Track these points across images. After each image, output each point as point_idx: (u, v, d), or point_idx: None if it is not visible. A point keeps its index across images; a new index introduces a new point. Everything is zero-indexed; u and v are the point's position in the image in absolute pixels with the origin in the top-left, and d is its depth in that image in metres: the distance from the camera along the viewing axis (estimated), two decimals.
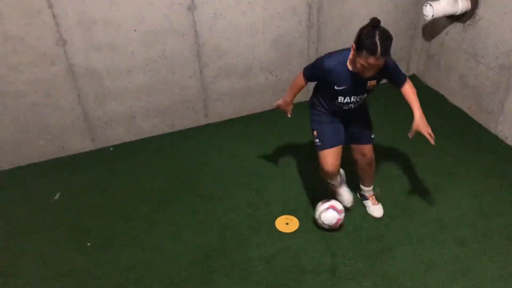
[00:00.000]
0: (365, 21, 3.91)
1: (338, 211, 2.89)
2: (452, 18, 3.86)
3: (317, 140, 2.82)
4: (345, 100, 2.64)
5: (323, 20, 3.86)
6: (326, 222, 2.89)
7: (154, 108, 3.76)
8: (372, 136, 2.89)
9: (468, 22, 3.74)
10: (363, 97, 2.68)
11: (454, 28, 3.90)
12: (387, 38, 2.32)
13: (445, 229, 2.97)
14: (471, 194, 3.21)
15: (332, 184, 3.01)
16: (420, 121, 2.55)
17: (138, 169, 3.57)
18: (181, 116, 3.90)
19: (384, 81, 2.65)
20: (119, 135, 3.78)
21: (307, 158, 3.58)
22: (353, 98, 2.64)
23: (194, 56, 3.64)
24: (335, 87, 2.58)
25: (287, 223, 3.05)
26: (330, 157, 2.78)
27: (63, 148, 3.66)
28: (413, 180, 3.35)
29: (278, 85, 4.03)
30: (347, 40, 4.01)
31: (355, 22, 3.97)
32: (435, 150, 3.60)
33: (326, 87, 2.65)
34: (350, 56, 2.46)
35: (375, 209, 3.09)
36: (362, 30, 2.36)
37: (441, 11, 3.71)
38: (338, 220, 2.89)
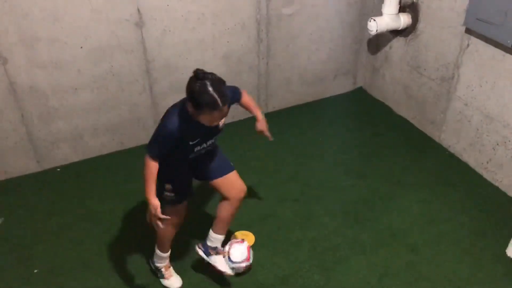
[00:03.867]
0: (312, 36, 4.08)
1: (238, 243, 2.72)
2: (395, 33, 4.02)
3: (171, 195, 2.48)
4: (202, 147, 2.41)
5: (272, 35, 3.91)
6: (237, 260, 2.66)
7: (103, 126, 3.67)
8: (232, 164, 2.65)
9: (409, 36, 3.90)
10: (217, 136, 2.48)
11: (397, 42, 4.07)
12: (219, 83, 2.12)
13: (397, 236, 3.05)
14: (420, 201, 3.32)
15: (165, 258, 2.73)
16: (264, 121, 2.64)
17: (87, 190, 3.45)
18: (131, 134, 3.81)
19: None
20: (67, 155, 3.65)
21: (259, 172, 3.59)
22: (209, 142, 2.43)
23: (144, 73, 3.59)
24: (190, 143, 2.33)
25: (243, 239, 3.03)
26: (182, 212, 2.59)
27: (5, 171, 3.49)
28: (365, 190, 3.43)
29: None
30: (296, 54, 4.10)
31: (303, 37, 4.06)
32: (384, 159, 3.73)
33: (179, 149, 2.33)
34: (190, 111, 2.19)
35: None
36: (191, 87, 2.10)
37: (384, 26, 3.85)
38: (248, 248, 2.70)
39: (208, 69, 3.77)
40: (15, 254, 2.94)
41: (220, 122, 2.34)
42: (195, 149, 2.39)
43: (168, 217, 2.34)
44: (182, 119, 2.22)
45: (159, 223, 2.33)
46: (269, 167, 3.64)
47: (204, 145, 2.42)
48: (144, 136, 3.87)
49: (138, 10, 3.33)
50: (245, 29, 3.78)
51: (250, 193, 3.38)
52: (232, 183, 2.62)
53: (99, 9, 3.21)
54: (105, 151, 3.78)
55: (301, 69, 4.24)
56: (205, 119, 2.17)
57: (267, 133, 2.68)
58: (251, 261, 2.69)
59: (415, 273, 2.80)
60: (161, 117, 2.34)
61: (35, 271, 2.83)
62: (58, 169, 3.64)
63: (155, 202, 2.31)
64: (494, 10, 3.02)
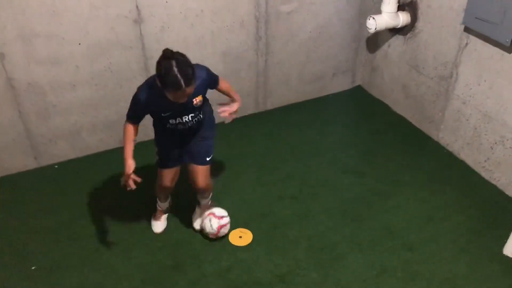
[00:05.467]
0: (311, 34, 4.07)
1: (217, 218, 2.92)
2: (394, 31, 4.02)
3: (157, 158, 2.82)
4: (177, 121, 2.53)
5: (271, 33, 3.91)
6: (207, 229, 2.93)
7: (101, 123, 3.66)
8: (208, 159, 2.80)
9: (408, 34, 3.90)
10: (196, 114, 2.58)
11: (396, 41, 4.06)
12: (185, 66, 2.25)
13: (394, 235, 3.06)
14: (417, 200, 3.33)
15: (160, 206, 3.06)
16: (238, 105, 2.74)
17: (85, 186, 3.45)
18: None
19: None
20: (65, 151, 3.65)
21: (259, 170, 3.59)
22: (185, 118, 2.54)
23: (142, 69, 3.58)
24: (162, 114, 2.49)
25: (240, 237, 3.04)
26: (166, 176, 2.82)
27: (3, 167, 3.48)
28: (362, 188, 3.44)
29: (228, 98, 4.03)
30: (295, 52, 4.10)
31: (302, 35, 4.06)
32: (382, 158, 3.74)
33: (154, 116, 2.58)
34: (159, 86, 2.32)
35: (196, 221, 3.07)
36: (158, 65, 2.26)
37: (383, 24, 3.85)
38: (219, 227, 2.91)
39: (206, 66, 3.78)
40: (13, 251, 2.93)
41: (194, 100, 2.48)
42: (171, 121, 2.53)
43: (138, 179, 2.48)
44: (152, 92, 2.38)
45: (131, 183, 2.46)
46: (267, 164, 3.65)
47: (180, 119, 2.53)
48: (142, 133, 3.85)
49: (137, 7, 3.32)
50: (244, 26, 3.77)
51: (248, 190, 3.39)
52: (193, 175, 2.83)
53: (98, 5, 3.20)
54: (103, 148, 3.78)
55: (299, 67, 4.24)
56: (170, 96, 2.30)
57: (231, 114, 2.72)
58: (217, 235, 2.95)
59: (412, 271, 2.81)
60: None
61: (33, 268, 2.83)
62: (56, 166, 3.63)
63: (129, 162, 2.47)
64: (493, 9, 3.02)
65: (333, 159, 3.74)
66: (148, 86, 2.42)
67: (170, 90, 2.26)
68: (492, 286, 2.72)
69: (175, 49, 3.56)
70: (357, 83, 4.69)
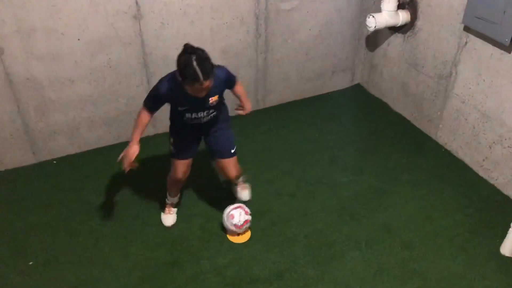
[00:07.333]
0: (311, 32, 4.07)
1: (245, 213, 2.98)
2: (394, 30, 4.02)
3: (172, 148, 2.87)
4: (193, 116, 2.66)
5: (271, 30, 3.91)
6: (234, 220, 2.94)
7: (100, 119, 3.65)
8: (232, 151, 2.94)
9: (408, 33, 3.90)
10: (211, 111, 2.69)
11: (396, 39, 4.06)
12: (204, 60, 2.35)
13: (392, 233, 3.06)
14: (416, 198, 3.33)
15: (170, 200, 3.10)
16: (249, 108, 2.90)
17: (83, 182, 3.45)
18: (128, 127, 3.79)
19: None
20: (63, 147, 3.64)
21: (258, 168, 3.59)
22: (200, 114, 2.66)
23: (141, 65, 3.57)
24: (179, 108, 2.62)
25: (238, 234, 3.04)
26: (180, 167, 2.88)
27: (1, 162, 3.48)
28: (361, 186, 3.44)
29: (227, 95, 4.02)
30: (294, 49, 4.10)
31: (302, 32, 4.05)
32: (381, 156, 3.74)
33: (172, 108, 2.71)
34: (179, 80, 2.43)
35: (243, 193, 3.14)
36: (179, 59, 2.36)
37: (383, 23, 3.85)
38: (246, 221, 2.96)
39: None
40: (10, 246, 2.93)
41: (210, 99, 2.58)
42: (187, 115, 2.64)
43: (135, 166, 2.60)
44: (172, 85, 2.49)
45: (127, 168, 2.56)
46: (266, 162, 3.65)
47: (195, 115, 2.64)
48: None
49: (136, 3, 3.31)
50: (243, 23, 3.76)
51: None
52: (225, 168, 2.98)
53: (97, 1, 3.19)
54: (101, 144, 3.77)
55: (299, 64, 4.24)
56: (189, 89, 2.41)
57: (240, 110, 2.90)
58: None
59: (410, 270, 2.82)
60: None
61: (30, 263, 2.83)
62: (54, 162, 3.63)
63: (134, 146, 2.57)
64: (493, 9, 3.02)
65: (331, 157, 3.74)
66: (169, 78, 2.51)
67: (189, 83, 2.35)
68: (488, 285, 2.73)
69: (174, 46, 3.59)
70: (356, 81, 4.69)
